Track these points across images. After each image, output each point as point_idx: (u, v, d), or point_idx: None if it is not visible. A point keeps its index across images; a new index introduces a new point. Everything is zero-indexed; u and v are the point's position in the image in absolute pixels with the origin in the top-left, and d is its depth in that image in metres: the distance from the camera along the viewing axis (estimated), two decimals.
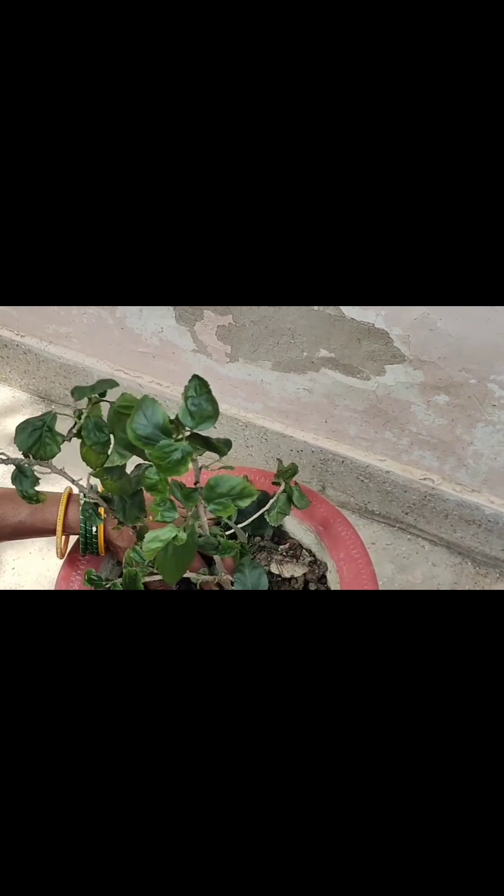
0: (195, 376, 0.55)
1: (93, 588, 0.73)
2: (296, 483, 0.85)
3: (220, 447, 0.60)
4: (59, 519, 0.77)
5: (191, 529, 0.59)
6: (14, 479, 0.66)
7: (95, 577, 0.72)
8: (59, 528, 0.77)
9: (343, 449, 1.27)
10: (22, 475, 0.65)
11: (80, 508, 0.76)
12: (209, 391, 0.54)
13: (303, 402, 1.24)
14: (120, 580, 0.69)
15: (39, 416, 0.64)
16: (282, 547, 0.96)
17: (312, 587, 0.90)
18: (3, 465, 0.67)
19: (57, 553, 0.80)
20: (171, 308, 1.22)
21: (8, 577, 1.34)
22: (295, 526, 0.97)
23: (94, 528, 0.77)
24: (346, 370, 1.14)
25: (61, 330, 1.43)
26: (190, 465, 0.54)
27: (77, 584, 0.84)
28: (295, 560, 0.96)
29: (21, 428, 0.64)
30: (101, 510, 0.77)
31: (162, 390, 1.37)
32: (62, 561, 0.85)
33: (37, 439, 0.63)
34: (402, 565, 1.32)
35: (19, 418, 1.58)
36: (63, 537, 0.78)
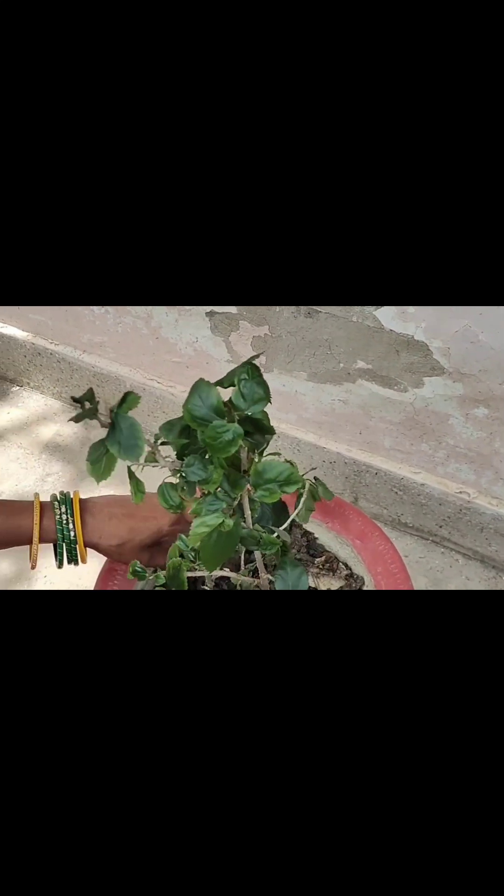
0: (247, 361, 0.57)
1: (136, 580, 0.74)
2: (316, 478, 0.85)
3: (269, 430, 0.61)
4: (35, 526, 0.75)
5: (237, 518, 0.60)
6: (163, 489, 0.65)
7: (140, 569, 0.72)
8: (35, 537, 0.75)
9: (377, 461, 1.26)
10: (171, 484, 0.65)
11: (55, 508, 0.75)
12: (261, 375, 0.58)
13: (337, 414, 1.23)
14: (163, 572, 0.69)
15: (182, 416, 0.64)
16: (318, 560, 0.96)
17: None
18: (163, 468, 0.65)
19: (30, 563, 0.77)
20: (206, 318, 1.23)
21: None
22: (331, 539, 0.96)
23: (72, 533, 0.76)
24: (383, 382, 1.13)
25: (96, 339, 1.44)
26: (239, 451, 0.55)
27: (116, 586, 0.83)
28: (331, 573, 0.95)
29: (167, 429, 0.63)
30: (77, 511, 0.76)
31: None
32: (99, 569, 0.85)
33: (189, 437, 0.63)
34: (435, 579, 1.31)
35: (52, 426, 1.59)
36: (37, 547, 0.77)
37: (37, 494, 0.78)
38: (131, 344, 1.38)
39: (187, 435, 0.64)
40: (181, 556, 0.69)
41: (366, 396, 1.17)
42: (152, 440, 0.65)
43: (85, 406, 0.56)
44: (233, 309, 1.18)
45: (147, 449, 0.65)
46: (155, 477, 0.66)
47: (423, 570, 1.32)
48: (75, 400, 0.56)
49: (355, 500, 1.35)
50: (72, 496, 0.78)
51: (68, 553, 0.78)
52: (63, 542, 0.77)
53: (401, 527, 1.35)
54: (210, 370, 1.32)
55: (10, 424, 1.61)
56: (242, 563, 0.84)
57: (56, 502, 0.77)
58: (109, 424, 0.58)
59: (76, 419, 0.56)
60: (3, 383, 1.69)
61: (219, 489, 0.61)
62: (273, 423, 1.36)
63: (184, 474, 0.64)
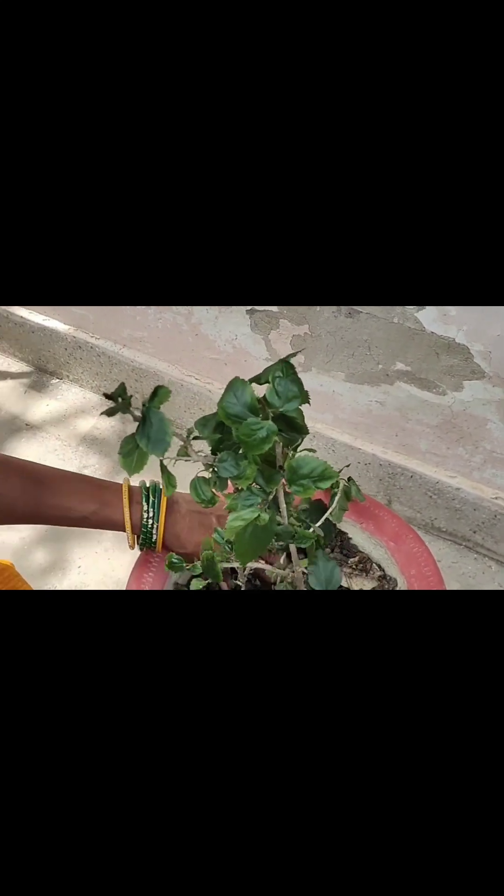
0: (282, 360, 0.57)
1: (173, 572, 0.75)
2: (350, 478, 0.86)
3: (303, 427, 0.62)
4: (126, 517, 0.77)
5: (272, 512, 0.61)
6: (196, 483, 0.66)
7: (177, 560, 0.73)
8: (127, 526, 0.78)
9: (413, 464, 1.26)
10: (203, 478, 0.66)
11: (143, 502, 0.77)
12: (295, 373, 0.58)
13: (374, 415, 1.23)
14: (199, 563, 0.70)
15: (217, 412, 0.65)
16: (351, 560, 0.96)
17: None
18: (196, 462, 0.67)
19: (129, 545, 0.81)
20: (246, 315, 1.23)
21: (73, 576, 1.36)
22: (364, 540, 0.96)
23: (153, 535, 0.78)
24: (421, 384, 1.12)
25: (136, 334, 1.45)
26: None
27: (148, 584, 0.84)
28: (364, 574, 0.95)
29: (202, 424, 0.65)
30: (163, 514, 0.79)
31: None
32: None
33: (223, 433, 0.65)
34: (467, 584, 1.30)
35: (90, 419, 1.61)
36: (132, 532, 0.79)
37: (126, 480, 0.80)
38: (171, 340, 1.40)
39: (221, 431, 0.65)
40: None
41: (403, 398, 1.16)
42: (185, 435, 0.66)
43: (118, 401, 0.57)
44: (273, 307, 1.19)
45: (180, 444, 0.66)
46: (188, 471, 0.67)
47: (456, 575, 1.31)
48: (107, 396, 0.57)
49: (389, 502, 1.35)
50: (160, 495, 0.79)
51: (145, 542, 0.80)
52: (143, 536, 0.79)
53: (434, 531, 1.35)
54: (248, 368, 1.32)
55: (48, 416, 1.64)
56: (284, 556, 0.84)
57: (144, 496, 0.79)
58: (141, 418, 0.59)
59: (108, 413, 0.57)
60: (43, 375, 1.72)
61: (254, 485, 0.62)
62: (309, 422, 1.36)
63: (216, 469, 0.65)
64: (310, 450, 0.66)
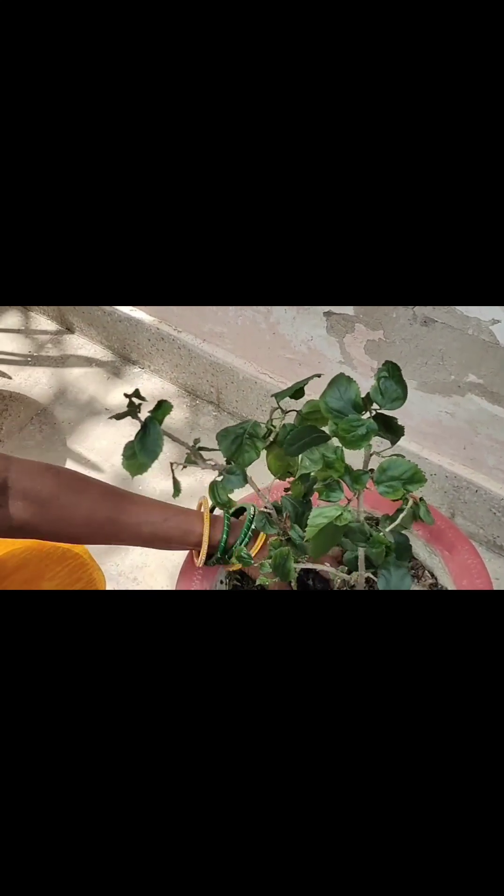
0: (388, 361, 0.59)
1: (241, 566, 0.76)
2: (422, 498, 0.85)
3: (399, 430, 0.63)
4: (205, 535, 0.77)
5: (354, 512, 0.61)
6: (213, 487, 0.69)
7: (245, 555, 0.74)
8: (204, 545, 0.77)
9: (479, 478, 1.24)
10: (220, 484, 0.69)
11: (254, 519, 0.76)
12: (400, 374, 0.59)
13: (443, 426, 1.23)
14: (269, 561, 0.71)
15: (240, 424, 0.68)
16: None
17: None
18: (204, 469, 0.70)
19: (198, 562, 0.80)
20: (323, 318, 1.25)
21: (135, 555, 1.41)
22: (420, 546, 0.96)
23: (244, 548, 0.77)
24: (493, 398, 1.11)
25: (216, 329, 1.49)
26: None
27: (200, 574, 0.87)
28: (416, 580, 0.95)
29: (223, 435, 0.68)
30: (258, 546, 0.78)
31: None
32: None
33: (238, 446, 0.67)
34: None
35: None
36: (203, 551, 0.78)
37: (202, 500, 0.80)
38: (249, 337, 1.43)
39: (239, 444, 0.67)
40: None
41: (474, 411, 1.16)
42: (191, 444, 0.69)
43: (131, 403, 0.60)
44: (350, 310, 1.20)
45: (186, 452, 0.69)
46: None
47: None
48: (126, 396, 0.61)
49: (452, 515, 1.34)
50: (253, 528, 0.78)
51: (220, 559, 0.80)
52: (223, 556, 0.78)
53: (496, 549, 1.33)
54: (322, 370, 1.34)
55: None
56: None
57: (249, 520, 0.78)
58: (142, 426, 0.62)
59: (117, 417, 0.61)
60: (126, 363, 1.79)
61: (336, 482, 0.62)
62: None
63: (222, 479, 0.68)
64: (399, 454, 0.67)
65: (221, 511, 0.79)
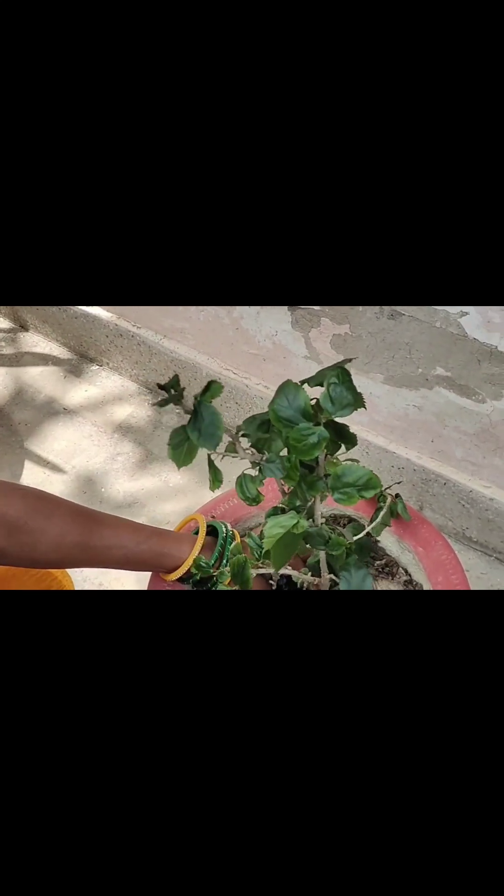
0: (338, 366, 0.57)
1: (199, 574, 0.74)
2: (398, 495, 0.84)
3: (352, 437, 0.61)
4: (192, 555, 0.75)
5: (310, 519, 0.60)
6: (241, 481, 0.65)
7: (204, 564, 0.73)
8: (189, 561, 0.75)
9: (447, 471, 1.24)
10: (251, 476, 0.65)
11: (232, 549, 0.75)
12: (350, 380, 0.57)
13: (411, 419, 1.22)
14: (227, 568, 0.70)
15: (266, 412, 0.65)
16: (378, 563, 0.95)
17: None
18: (242, 459, 0.66)
19: (168, 581, 0.78)
20: (287, 312, 1.23)
21: None
22: (393, 543, 0.95)
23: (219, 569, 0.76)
24: (460, 391, 1.11)
25: (177, 325, 1.46)
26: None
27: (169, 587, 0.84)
28: (390, 577, 0.94)
29: (249, 421, 0.64)
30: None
31: (269, 394, 1.38)
32: None
33: (265, 433, 0.64)
34: None
35: (126, 407, 1.62)
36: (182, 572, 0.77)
37: (201, 520, 0.78)
38: (211, 332, 1.40)
39: (266, 430, 0.65)
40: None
41: (441, 404, 1.15)
42: (234, 432, 0.66)
43: (170, 392, 0.57)
44: (315, 305, 1.18)
45: (228, 439, 0.66)
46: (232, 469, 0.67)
47: (484, 586, 1.29)
48: (161, 387, 0.57)
49: (421, 508, 1.34)
50: (232, 540, 0.78)
51: (199, 581, 0.78)
52: (202, 583, 0.77)
53: (465, 540, 1.33)
54: (287, 365, 1.32)
55: (86, 402, 1.65)
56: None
57: (221, 540, 0.77)
58: (192, 412, 0.59)
59: (160, 404, 0.57)
60: (83, 361, 1.74)
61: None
62: (344, 422, 1.36)
63: (261, 469, 0.65)
64: (353, 460, 0.65)
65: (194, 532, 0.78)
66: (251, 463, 0.65)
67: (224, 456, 0.65)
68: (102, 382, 1.69)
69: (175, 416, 1.59)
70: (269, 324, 1.28)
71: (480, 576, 1.31)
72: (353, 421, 1.37)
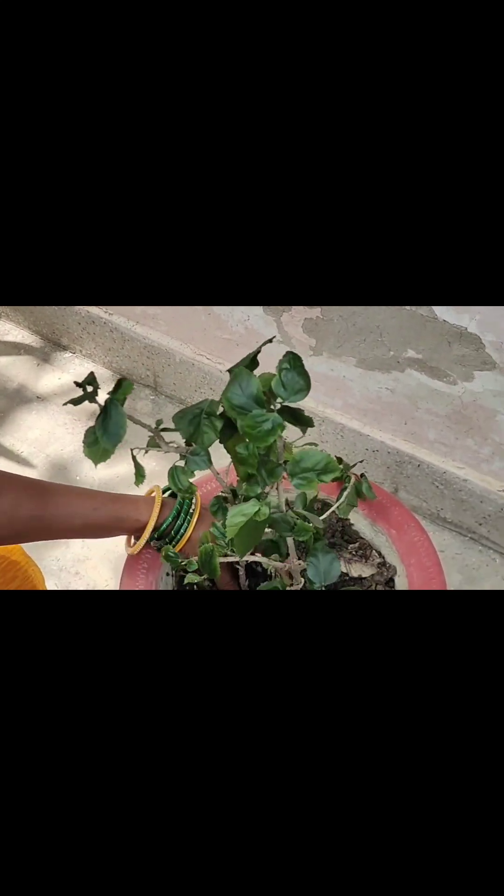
0: (289, 352, 0.57)
1: (169, 563, 0.74)
2: (363, 474, 0.85)
3: (308, 421, 0.61)
4: (152, 519, 0.75)
5: (272, 505, 0.60)
6: (173, 472, 0.66)
7: (173, 555, 0.73)
8: (149, 528, 0.75)
9: (421, 453, 1.25)
10: (181, 468, 0.66)
11: (180, 513, 0.76)
12: (302, 365, 0.57)
13: (384, 402, 1.22)
14: (195, 558, 0.70)
15: (196, 404, 0.65)
16: (351, 546, 0.95)
17: (380, 589, 0.89)
18: (167, 452, 0.66)
19: (132, 549, 0.79)
20: None
21: (76, 548, 1.37)
22: (366, 527, 0.96)
23: (183, 529, 0.77)
24: (432, 373, 1.11)
25: (149, 311, 1.45)
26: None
27: (145, 567, 0.84)
28: (364, 560, 0.94)
29: (180, 417, 0.64)
30: (194, 521, 0.78)
31: None
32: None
33: (196, 426, 0.64)
34: (470, 576, 1.29)
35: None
36: (147, 536, 0.77)
37: (157, 488, 0.79)
38: (183, 318, 1.39)
39: (196, 425, 0.65)
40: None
41: (413, 386, 1.15)
42: (154, 426, 0.66)
43: (85, 389, 0.57)
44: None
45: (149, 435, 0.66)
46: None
47: (459, 566, 1.31)
48: (77, 384, 0.57)
49: (395, 490, 1.34)
50: (193, 501, 0.78)
51: (162, 543, 0.79)
52: (162, 539, 0.77)
53: (439, 521, 1.34)
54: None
55: (59, 389, 1.64)
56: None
57: (180, 501, 0.77)
58: (102, 410, 0.59)
59: (74, 402, 0.57)
60: (56, 349, 1.72)
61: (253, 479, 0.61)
62: (318, 407, 1.36)
63: (187, 461, 0.65)
64: (312, 443, 0.65)
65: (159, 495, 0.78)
66: (180, 456, 0.66)
67: (147, 451, 0.65)
68: (76, 370, 1.68)
69: (149, 403, 1.58)
70: (240, 309, 1.27)
71: (455, 556, 1.32)
72: (326, 405, 1.38)
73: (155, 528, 0.76)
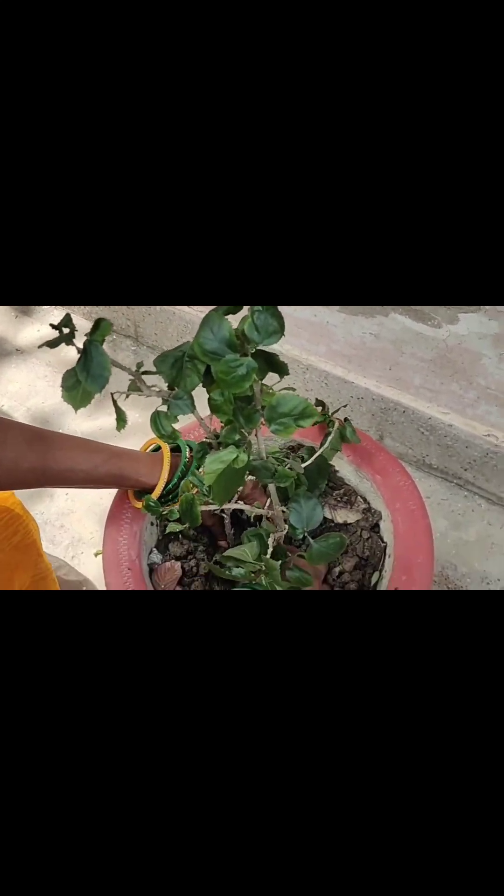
0: None
1: (150, 514, 0.74)
2: (347, 419, 0.84)
3: (283, 366, 0.59)
4: (162, 478, 0.75)
5: (249, 451, 0.59)
6: (155, 417, 0.65)
7: (153, 504, 0.72)
8: (159, 488, 0.75)
9: (406, 399, 1.24)
10: (164, 413, 0.64)
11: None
12: (275, 306, 0.54)
13: (368, 348, 1.21)
14: (176, 507, 0.69)
15: (178, 347, 0.62)
16: (336, 492, 0.95)
17: (365, 535, 0.89)
18: (149, 396, 0.65)
19: (136, 503, 0.79)
20: None
21: (61, 501, 1.36)
22: (351, 473, 0.95)
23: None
24: (416, 316, 1.09)
25: None
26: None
27: (129, 517, 0.84)
28: (349, 506, 0.94)
29: (162, 360, 0.62)
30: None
31: None
32: (115, 492, 0.85)
33: (179, 370, 0.62)
34: (456, 522, 1.29)
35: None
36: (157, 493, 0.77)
37: (164, 445, 0.78)
38: None
39: (179, 367, 0.63)
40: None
41: (398, 331, 1.14)
42: (135, 369, 0.64)
43: (61, 331, 0.55)
44: None
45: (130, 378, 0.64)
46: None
47: (445, 512, 1.31)
48: (53, 326, 0.55)
49: (381, 437, 1.34)
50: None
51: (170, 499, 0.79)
52: (167, 496, 0.77)
53: (425, 467, 1.34)
54: None
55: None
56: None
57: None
58: (82, 352, 0.57)
59: (50, 345, 0.56)
60: None
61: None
62: (302, 354, 1.34)
63: (169, 406, 0.64)
64: (290, 388, 0.64)
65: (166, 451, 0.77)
66: (162, 400, 0.64)
67: (128, 395, 0.63)
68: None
69: (131, 354, 1.55)
70: None
71: (441, 501, 1.32)
72: (311, 352, 1.36)
73: (165, 487, 0.76)
